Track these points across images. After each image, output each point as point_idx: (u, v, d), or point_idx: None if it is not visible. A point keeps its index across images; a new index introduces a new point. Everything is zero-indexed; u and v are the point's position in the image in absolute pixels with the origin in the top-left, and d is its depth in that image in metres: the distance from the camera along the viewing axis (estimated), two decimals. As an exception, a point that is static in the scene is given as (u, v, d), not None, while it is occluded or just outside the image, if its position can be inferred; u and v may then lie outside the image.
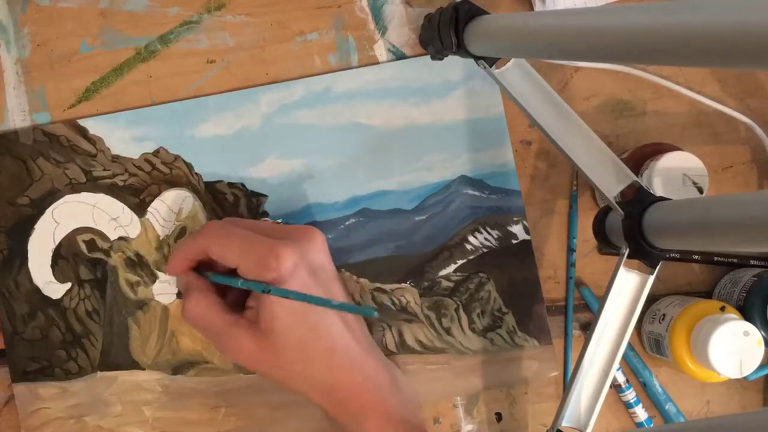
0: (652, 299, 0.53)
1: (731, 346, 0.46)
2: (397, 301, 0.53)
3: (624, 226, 0.45)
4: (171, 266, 0.48)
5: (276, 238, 0.45)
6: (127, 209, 0.52)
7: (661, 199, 0.44)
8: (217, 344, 0.46)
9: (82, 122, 0.52)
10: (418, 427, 0.47)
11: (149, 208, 0.52)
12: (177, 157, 0.53)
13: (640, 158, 0.51)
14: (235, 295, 0.48)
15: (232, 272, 0.46)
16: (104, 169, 0.52)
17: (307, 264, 0.45)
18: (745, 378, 0.51)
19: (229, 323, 0.45)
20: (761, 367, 0.49)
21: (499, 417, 0.53)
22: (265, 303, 0.44)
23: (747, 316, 0.50)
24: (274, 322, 0.44)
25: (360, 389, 0.45)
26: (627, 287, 0.45)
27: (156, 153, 0.52)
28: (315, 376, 0.45)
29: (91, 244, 0.52)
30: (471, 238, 0.53)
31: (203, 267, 0.48)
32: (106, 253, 0.52)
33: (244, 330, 0.44)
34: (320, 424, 0.52)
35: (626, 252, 0.44)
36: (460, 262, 0.53)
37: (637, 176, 0.47)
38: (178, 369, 0.52)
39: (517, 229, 0.54)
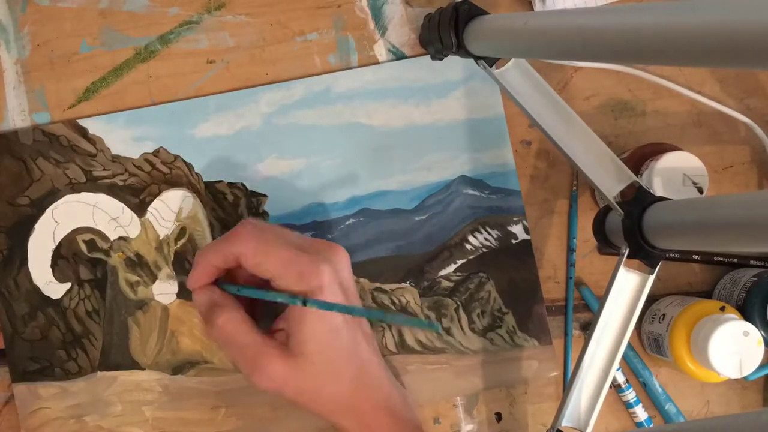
0: (652, 299, 0.53)
1: (731, 346, 0.46)
2: (397, 301, 0.53)
3: (624, 226, 0.45)
4: (195, 277, 0.45)
5: (306, 251, 0.43)
6: (127, 209, 0.52)
7: (661, 199, 0.44)
8: (247, 366, 0.43)
9: (82, 122, 0.52)
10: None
11: (149, 208, 0.52)
12: (177, 157, 0.53)
13: (640, 158, 0.51)
14: (254, 312, 0.47)
15: (260, 285, 0.44)
16: (104, 169, 0.52)
17: (339, 281, 0.44)
18: (745, 378, 0.51)
19: (261, 344, 0.43)
20: (761, 367, 0.49)
21: (499, 417, 0.53)
22: (300, 324, 0.42)
23: (747, 316, 0.50)
24: (308, 343, 0.42)
25: (380, 410, 0.45)
26: (627, 287, 0.45)
27: (156, 153, 0.52)
28: (343, 398, 0.44)
29: (91, 244, 0.52)
30: (471, 238, 0.53)
31: (222, 280, 0.46)
32: (106, 253, 0.52)
33: (275, 351, 0.43)
34: (320, 425, 0.52)
35: (626, 252, 0.44)
36: (460, 262, 0.53)
37: (637, 176, 0.47)
38: (178, 369, 0.52)
39: (517, 229, 0.54)
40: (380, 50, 0.54)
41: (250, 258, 0.43)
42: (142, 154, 0.52)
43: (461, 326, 0.53)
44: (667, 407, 0.53)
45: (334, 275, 0.43)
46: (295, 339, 0.43)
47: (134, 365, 0.52)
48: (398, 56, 0.54)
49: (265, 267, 0.43)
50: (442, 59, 0.53)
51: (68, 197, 0.52)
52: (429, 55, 0.53)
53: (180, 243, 0.52)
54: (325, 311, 0.42)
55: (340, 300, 0.43)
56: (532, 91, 0.47)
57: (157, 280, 0.52)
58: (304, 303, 0.42)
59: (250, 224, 0.45)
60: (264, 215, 0.53)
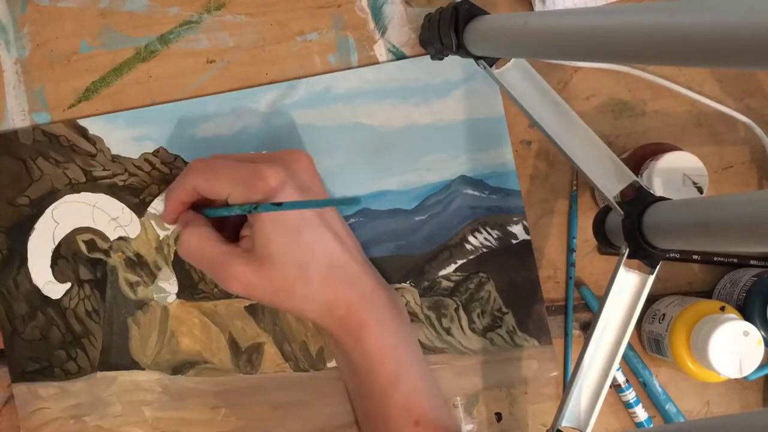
0: (652, 299, 0.53)
1: (731, 346, 0.46)
2: (397, 301, 0.53)
3: (624, 226, 0.44)
4: (166, 214, 0.48)
5: (256, 162, 0.45)
6: (126, 209, 0.52)
7: (661, 199, 0.44)
8: (215, 275, 0.45)
9: (81, 122, 0.52)
10: (414, 350, 0.48)
11: (149, 208, 0.52)
12: (177, 157, 0.53)
13: (640, 158, 0.51)
14: (231, 230, 0.48)
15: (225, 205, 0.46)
16: (104, 169, 0.52)
17: (294, 183, 0.45)
18: (745, 378, 0.51)
19: (225, 252, 0.45)
20: (761, 367, 0.49)
21: (498, 417, 0.53)
22: (259, 228, 0.44)
23: (747, 316, 0.50)
24: (269, 245, 0.43)
25: (359, 306, 0.45)
26: (627, 287, 0.45)
27: (156, 153, 0.52)
28: (315, 295, 0.45)
29: (91, 244, 0.52)
30: (471, 238, 0.53)
31: (198, 206, 0.48)
32: (106, 253, 0.52)
33: (240, 258, 0.44)
34: (320, 425, 0.52)
35: (626, 252, 0.44)
36: (460, 262, 0.53)
37: (637, 176, 0.47)
38: (177, 369, 0.52)
39: (517, 229, 0.54)
40: (380, 50, 0.54)
41: (204, 185, 0.45)
42: (142, 154, 0.52)
43: (461, 326, 0.53)
44: (667, 407, 0.53)
45: (283, 178, 0.44)
46: (258, 243, 0.44)
47: (134, 365, 0.52)
48: (398, 56, 0.54)
49: (218, 189, 0.45)
50: (442, 59, 0.53)
51: (68, 197, 0.52)
52: (429, 55, 0.53)
53: (180, 243, 0.52)
54: (279, 218, 0.43)
55: (297, 196, 0.44)
56: (532, 91, 0.47)
57: (157, 280, 0.52)
58: (255, 208, 0.43)
59: (198, 159, 0.47)
60: (264, 215, 0.53)
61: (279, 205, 0.43)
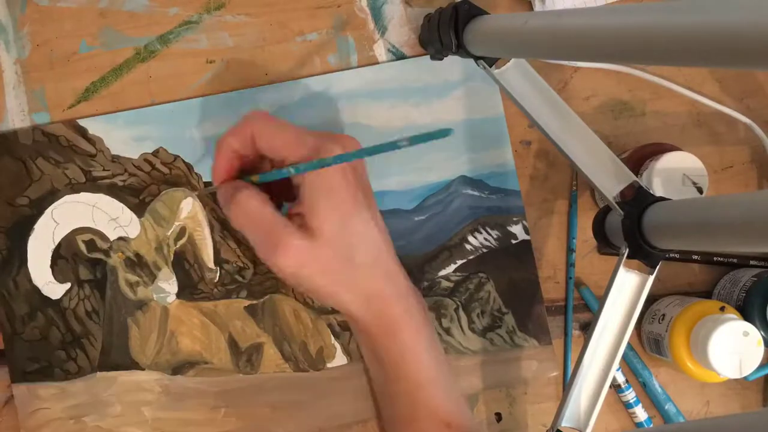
0: (651, 299, 0.53)
1: (731, 346, 0.46)
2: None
3: (623, 226, 0.45)
4: (219, 164, 0.45)
5: (314, 135, 0.44)
6: (126, 209, 0.52)
7: (661, 199, 0.44)
8: (268, 242, 0.43)
9: (81, 122, 0.52)
10: (441, 353, 0.47)
11: (149, 209, 0.52)
12: (177, 157, 0.53)
13: (639, 158, 0.51)
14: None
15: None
16: (104, 169, 0.52)
17: (351, 164, 0.44)
18: (744, 378, 0.51)
19: (282, 223, 0.43)
20: (761, 367, 0.49)
21: (498, 417, 0.53)
22: (316, 206, 0.43)
23: (747, 316, 0.50)
24: (324, 224, 0.42)
25: (395, 303, 0.45)
26: (627, 287, 0.45)
27: (156, 153, 0.52)
28: (358, 283, 0.44)
29: (91, 245, 0.52)
30: (471, 238, 0.53)
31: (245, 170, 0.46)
32: (106, 253, 0.52)
33: (297, 232, 0.43)
34: (320, 425, 0.52)
35: (626, 252, 0.44)
36: (459, 262, 0.53)
37: (636, 176, 0.47)
38: (177, 369, 0.52)
39: (516, 229, 0.54)
40: (380, 50, 0.54)
41: (264, 135, 0.44)
42: (141, 155, 0.52)
43: (461, 326, 0.53)
44: (666, 407, 0.53)
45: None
46: (313, 219, 0.43)
47: (134, 365, 0.52)
48: (398, 56, 0.54)
49: (277, 144, 0.44)
50: (441, 59, 0.53)
51: (68, 197, 0.52)
52: (429, 56, 0.53)
53: (179, 243, 0.52)
54: (335, 196, 0.42)
55: (350, 179, 0.43)
56: (532, 91, 0.47)
57: (156, 281, 0.52)
58: (321, 165, 0.42)
59: (257, 112, 0.46)
60: (264, 215, 0.53)
61: (349, 156, 0.41)
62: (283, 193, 0.46)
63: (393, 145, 0.37)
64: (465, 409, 0.47)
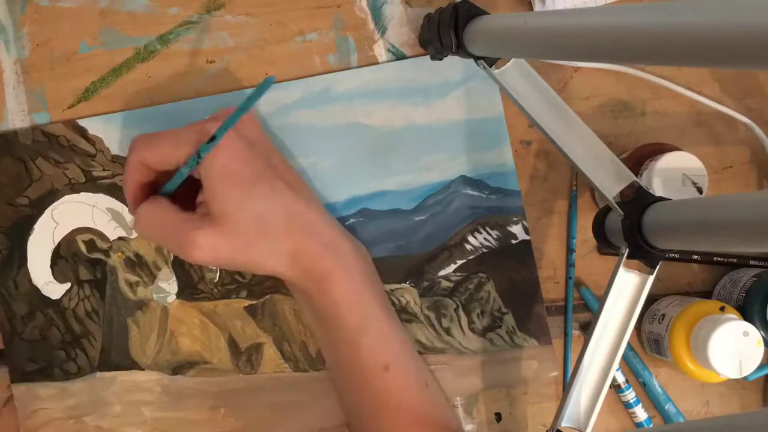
0: (651, 299, 0.53)
1: (731, 347, 0.46)
2: (396, 302, 0.53)
3: (623, 226, 0.44)
4: (130, 201, 0.46)
5: (198, 123, 0.45)
6: (126, 209, 0.52)
7: (661, 199, 0.44)
8: (176, 247, 0.44)
9: (81, 122, 0.52)
10: (380, 294, 0.48)
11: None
12: (176, 157, 0.52)
13: (639, 158, 0.51)
14: (190, 205, 0.47)
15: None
16: (104, 169, 0.52)
17: (240, 137, 0.44)
18: (744, 378, 0.51)
19: (182, 220, 0.44)
20: (761, 367, 0.49)
21: (498, 417, 0.53)
22: (211, 189, 0.43)
23: (746, 316, 0.50)
24: (224, 203, 0.43)
25: (321, 255, 0.45)
26: (627, 287, 0.45)
27: (155, 153, 0.52)
28: (277, 247, 0.44)
29: (91, 244, 0.52)
30: (471, 239, 0.53)
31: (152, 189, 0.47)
32: (106, 253, 0.52)
33: (199, 223, 0.43)
34: (320, 425, 0.52)
35: (626, 252, 0.44)
36: (459, 262, 0.53)
37: (636, 176, 0.47)
38: (177, 369, 0.52)
39: (516, 230, 0.54)
40: (380, 50, 0.54)
41: (149, 155, 0.44)
42: (141, 155, 0.52)
43: (461, 326, 0.53)
44: (666, 407, 0.53)
45: (228, 132, 0.43)
46: (213, 204, 0.43)
47: (134, 365, 0.52)
48: (398, 56, 0.54)
49: (166, 156, 0.44)
50: (441, 59, 0.53)
51: (68, 197, 0.52)
52: (429, 56, 0.53)
53: (179, 243, 0.52)
54: (230, 174, 0.43)
55: (245, 154, 0.44)
56: (532, 91, 0.47)
57: (156, 280, 0.52)
58: (198, 156, 0.42)
59: (137, 137, 0.46)
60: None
61: (213, 139, 0.42)
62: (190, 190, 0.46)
63: (252, 99, 0.41)
64: (409, 350, 0.48)
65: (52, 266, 0.52)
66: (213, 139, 0.42)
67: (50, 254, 0.52)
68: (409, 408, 0.47)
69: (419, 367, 0.49)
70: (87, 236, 0.52)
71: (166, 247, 0.45)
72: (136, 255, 0.52)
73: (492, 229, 0.54)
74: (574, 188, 0.54)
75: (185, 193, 0.46)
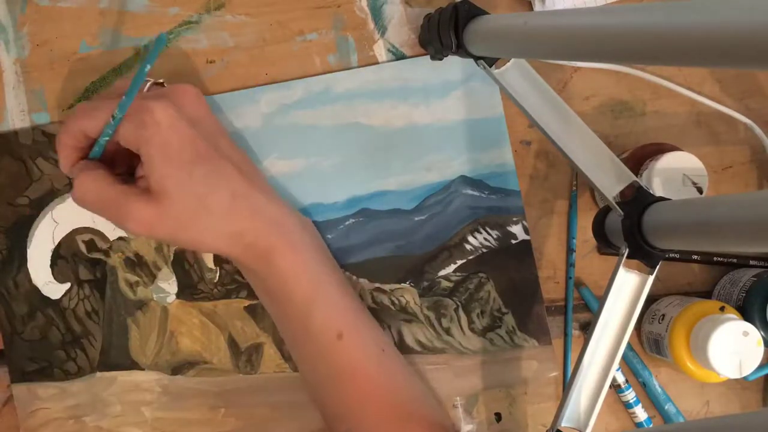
0: (651, 299, 0.53)
1: (731, 347, 0.46)
2: (396, 302, 0.53)
3: (623, 227, 0.44)
4: (63, 164, 0.46)
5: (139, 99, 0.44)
6: (126, 209, 0.52)
7: (661, 199, 0.44)
8: (114, 218, 0.44)
9: (81, 122, 0.52)
10: (329, 265, 0.48)
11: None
12: (176, 157, 0.52)
13: (639, 158, 0.51)
14: (127, 173, 0.47)
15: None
16: (104, 169, 0.52)
17: (185, 116, 0.44)
18: (744, 378, 0.51)
19: (121, 192, 0.43)
20: (761, 367, 0.49)
21: (498, 417, 0.53)
22: (151, 165, 0.43)
23: (746, 316, 0.50)
24: (164, 181, 0.43)
25: (265, 232, 0.45)
26: (626, 287, 0.45)
27: (155, 153, 0.52)
28: (218, 226, 0.44)
29: (91, 245, 0.52)
30: (470, 239, 0.53)
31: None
32: (106, 253, 0.52)
33: (137, 197, 0.43)
34: (320, 425, 0.52)
35: (626, 252, 0.44)
36: (459, 262, 0.53)
37: (636, 176, 0.47)
38: (177, 369, 0.52)
39: (516, 230, 0.54)
40: (380, 50, 0.54)
41: (89, 124, 0.44)
42: (141, 154, 0.52)
43: (461, 326, 0.53)
44: (666, 407, 0.53)
45: (170, 110, 0.43)
46: (152, 180, 0.43)
47: (133, 365, 0.52)
48: (398, 56, 0.54)
49: (103, 126, 0.44)
50: (441, 59, 0.53)
51: (68, 197, 0.52)
52: (429, 56, 0.53)
53: (179, 243, 0.52)
54: (172, 152, 0.43)
55: (189, 134, 0.43)
56: (532, 91, 0.47)
57: (156, 281, 0.52)
58: (120, 112, 0.43)
59: (84, 101, 0.46)
60: (263, 215, 0.53)
61: (129, 94, 0.42)
62: (133, 158, 0.46)
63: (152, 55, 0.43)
64: (365, 318, 0.49)
65: (52, 266, 0.52)
66: (128, 94, 0.43)
67: (50, 254, 0.52)
68: (365, 376, 0.47)
69: (375, 334, 0.49)
70: (87, 236, 0.52)
71: (104, 217, 0.45)
72: (136, 255, 0.52)
73: (492, 229, 0.54)
74: (574, 188, 0.54)
75: (124, 158, 0.46)
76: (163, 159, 0.43)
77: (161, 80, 0.49)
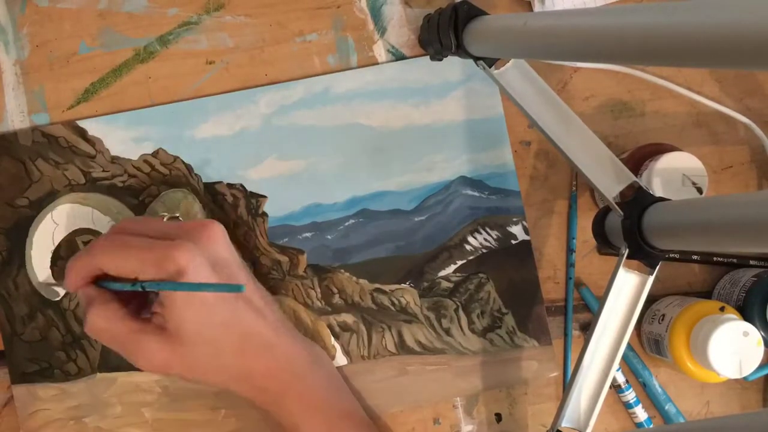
0: (651, 299, 0.53)
1: (731, 347, 0.46)
2: (396, 302, 0.53)
3: (623, 227, 0.45)
4: (68, 284, 0.45)
5: (173, 238, 0.43)
6: (126, 210, 0.52)
7: (661, 199, 0.44)
8: (127, 354, 0.44)
9: (81, 123, 0.52)
10: (345, 401, 0.48)
11: (148, 209, 0.52)
12: (176, 158, 0.52)
13: (639, 159, 0.51)
14: (138, 302, 0.46)
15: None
16: (103, 170, 0.52)
17: (207, 259, 0.43)
18: (744, 378, 0.51)
19: (135, 330, 0.43)
20: (761, 367, 0.49)
21: (498, 417, 0.53)
22: (172, 307, 0.42)
23: (746, 316, 0.50)
24: (183, 324, 0.43)
25: (275, 373, 0.45)
26: (626, 287, 0.45)
27: (155, 154, 0.52)
28: (229, 367, 0.45)
29: (91, 245, 0.52)
30: (470, 239, 0.53)
31: (102, 278, 0.45)
32: (106, 254, 0.52)
33: (152, 336, 0.43)
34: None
35: (626, 252, 0.44)
36: (459, 262, 0.53)
37: (636, 177, 0.47)
38: (177, 370, 0.52)
39: (516, 230, 0.54)
40: (380, 51, 0.54)
41: (110, 265, 0.43)
42: (141, 155, 0.52)
43: (461, 327, 0.53)
44: (666, 407, 0.53)
45: (194, 255, 0.42)
46: (171, 321, 0.43)
47: (134, 366, 0.52)
48: (398, 57, 0.54)
49: (126, 270, 0.43)
50: (441, 60, 0.53)
51: (67, 198, 0.52)
52: (428, 56, 0.53)
53: (179, 244, 0.52)
54: (193, 299, 0.42)
55: (209, 278, 0.43)
56: (532, 91, 0.47)
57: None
58: (143, 288, 0.42)
59: (105, 235, 0.45)
60: (263, 216, 0.53)
61: (162, 285, 0.42)
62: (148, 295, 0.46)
63: (197, 287, 0.42)
64: None
65: (52, 267, 0.52)
66: (162, 285, 0.42)
67: (50, 255, 0.52)
68: None
69: None
70: (87, 237, 0.52)
71: (117, 351, 0.45)
72: (136, 256, 0.52)
73: (492, 229, 0.54)
74: (574, 188, 0.54)
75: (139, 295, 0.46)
76: (184, 304, 0.42)
77: (177, 215, 0.49)
